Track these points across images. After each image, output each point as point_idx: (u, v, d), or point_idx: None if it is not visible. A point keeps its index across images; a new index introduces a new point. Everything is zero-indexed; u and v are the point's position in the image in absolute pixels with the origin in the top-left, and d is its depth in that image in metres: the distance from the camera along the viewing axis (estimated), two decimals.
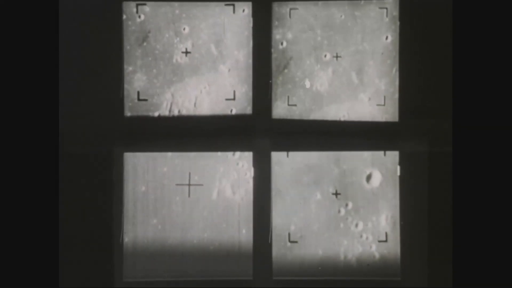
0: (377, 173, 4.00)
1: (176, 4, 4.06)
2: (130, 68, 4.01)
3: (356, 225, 4.00)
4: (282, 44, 4.06)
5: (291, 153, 3.99)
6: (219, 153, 4.03)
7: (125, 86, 4.01)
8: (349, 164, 4.02)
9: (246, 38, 4.04)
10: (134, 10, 4.06)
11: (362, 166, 4.02)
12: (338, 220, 4.01)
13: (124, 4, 3.97)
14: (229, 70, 4.08)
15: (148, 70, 4.05)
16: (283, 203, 4.00)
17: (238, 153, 4.04)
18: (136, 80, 3.99)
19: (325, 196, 4.01)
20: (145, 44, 4.06)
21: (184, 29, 4.09)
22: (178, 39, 4.08)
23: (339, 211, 4.00)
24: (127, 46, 4.02)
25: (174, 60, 4.06)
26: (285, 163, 4.00)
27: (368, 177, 4.00)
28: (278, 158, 3.99)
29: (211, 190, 4.01)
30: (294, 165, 4.02)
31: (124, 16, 4.00)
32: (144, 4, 4.01)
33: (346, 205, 3.98)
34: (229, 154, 4.03)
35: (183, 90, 4.05)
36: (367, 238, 4.00)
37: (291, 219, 4.00)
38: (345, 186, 4.02)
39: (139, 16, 4.07)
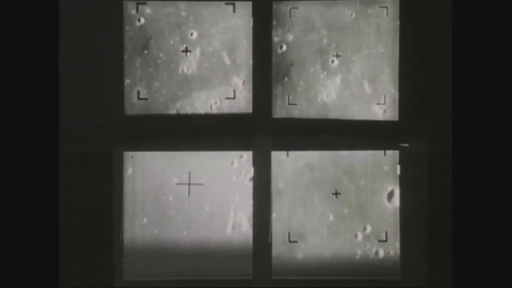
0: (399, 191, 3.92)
1: (182, 5, 3.75)
2: (128, 81, 3.76)
3: (376, 253, 3.92)
4: (281, 48, 3.73)
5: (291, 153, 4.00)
6: (234, 178, 3.93)
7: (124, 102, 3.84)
8: (366, 179, 3.95)
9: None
10: (133, 11, 3.72)
11: (382, 182, 3.96)
12: (355, 246, 3.94)
13: (123, 5, 3.94)
14: (243, 83, 3.87)
15: (149, 83, 3.79)
16: (283, 203, 4.00)
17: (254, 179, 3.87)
18: (134, 95, 3.83)
19: (325, 196, 4.01)
20: (145, 52, 3.78)
21: (191, 34, 3.72)
22: (184, 46, 3.79)
23: (355, 236, 3.93)
24: (124, 55, 3.80)
25: (179, 71, 3.79)
26: (285, 163, 4.00)
27: (390, 195, 3.96)
28: (278, 158, 3.99)
29: (212, 192, 4.01)
30: (298, 166, 4.02)
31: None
32: (145, 4, 3.91)
33: (364, 228, 3.89)
34: (245, 179, 3.94)
35: (190, 106, 3.87)
36: (368, 240, 4.00)
37: (291, 219, 4.00)
38: (363, 204, 3.95)
39: (139, 20, 3.68)
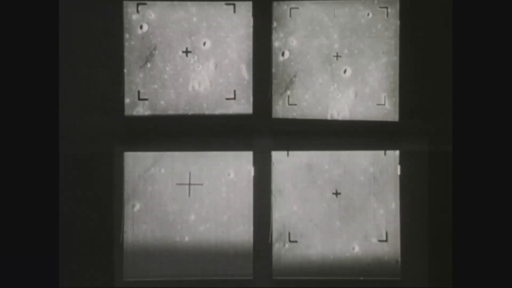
0: None
1: (193, 9, 3.23)
2: (128, 100, 3.37)
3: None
4: (283, 55, 3.25)
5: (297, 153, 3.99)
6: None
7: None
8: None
9: None
10: (134, 17, 3.25)
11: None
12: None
13: (123, 8, 3.91)
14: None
15: (153, 102, 3.40)
16: (283, 202, 4.00)
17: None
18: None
19: (326, 196, 4.01)
20: (148, 65, 3.30)
21: (204, 43, 3.19)
22: (195, 57, 3.31)
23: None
24: (124, 54, 3.43)
25: (190, 88, 3.33)
26: (286, 163, 4.00)
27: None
28: (278, 158, 3.98)
29: (212, 192, 4.00)
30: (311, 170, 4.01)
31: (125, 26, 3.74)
32: (145, 4, 3.84)
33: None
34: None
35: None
36: (368, 240, 3.99)
37: (291, 218, 4.00)
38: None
39: (141, 27, 3.15)
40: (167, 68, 3.31)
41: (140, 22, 3.31)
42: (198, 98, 3.35)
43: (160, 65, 3.29)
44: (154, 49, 3.36)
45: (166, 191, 3.99)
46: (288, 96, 3.95)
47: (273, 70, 3.45)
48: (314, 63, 3.37)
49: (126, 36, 3.46)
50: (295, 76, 3.40)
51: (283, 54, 3.37)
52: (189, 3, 3.35)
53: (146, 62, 3.33)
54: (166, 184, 3.98)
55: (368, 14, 3.32)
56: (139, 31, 3.35)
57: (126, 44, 3.40)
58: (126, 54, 3.35)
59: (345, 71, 3.36)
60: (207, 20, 3.27)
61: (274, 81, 3.50)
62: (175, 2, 3.36)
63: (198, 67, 3.27)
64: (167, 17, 3.26)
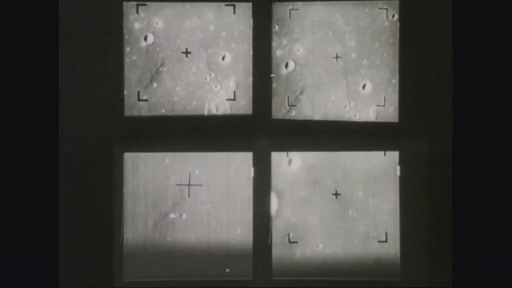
0: None
1: (210, 14, 2.58)
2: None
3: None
4: (286, 66, 2.59)
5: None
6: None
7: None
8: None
9: None
10: (136, 25, 2.61)
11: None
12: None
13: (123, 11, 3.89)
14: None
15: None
16: (283, 203, 4.00)
17: None
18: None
19: (325, 197, 4.01)
20: (154, 85, 2.74)
21: (223, 57, 2.58)
22: (212, 75, 2.73)
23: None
24: (124, 91, 2.90)
25: (205, 112, 2.84)
26: (285, 163, 4.00)
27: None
28: (278, 159, 3.98)
29: (212, 193, 4.00)
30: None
31: (126, 36, 3.65)
32: (144, 5, 3.80)
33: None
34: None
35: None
36: (367, 238, 3.99)
37: (291, 219, 4.00)
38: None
39: (145, 38, 2.48)
40: (177, 88, 2.79)
41: (144, 32, 2.81)
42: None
43: (169, 84, 2.75)
44: (162, 64, 2.87)
45: (165, 191, 3.99)
46: (288, 97, 3.95)
47: (274, 85, 3.05)
48: (324, 75, 2.82)
49: (127, 49, 3.04)
50: (301, 92, 2.94)
51: (286, 65, 2.82)
52: (205, 8, 2.91)
53: (151, 81, 2.84)
54: (165, 185, 3.98)
55: (393, 16, 2.74)
56: (143, 43, 2.85)
57: (127, 60, 2.97)
58: (126, 72, 2.88)
59: (364, 86, 2.83)
60: (226, 28, 2.71)
61: (274, 100, 3.20)
62: (188, 7, 2.99)
63: (216, 86, 2.76)
64: (176, 26, 2.70)
